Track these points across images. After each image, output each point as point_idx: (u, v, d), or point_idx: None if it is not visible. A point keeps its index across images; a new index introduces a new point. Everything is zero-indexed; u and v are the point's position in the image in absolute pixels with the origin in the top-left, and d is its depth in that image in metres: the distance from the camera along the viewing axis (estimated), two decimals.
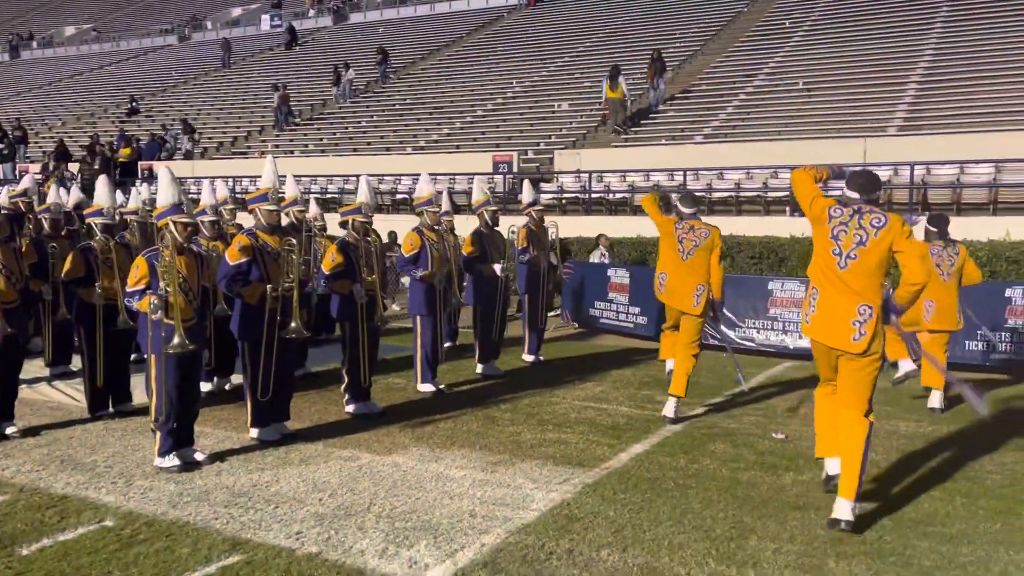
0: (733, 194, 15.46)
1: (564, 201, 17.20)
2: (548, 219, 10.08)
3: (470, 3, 35.25)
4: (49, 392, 7.96)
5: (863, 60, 19.43)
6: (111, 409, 7.16)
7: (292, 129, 26.02)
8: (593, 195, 16.81)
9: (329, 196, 19.16)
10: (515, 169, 18.45)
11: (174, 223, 5.72)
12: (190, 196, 6.43)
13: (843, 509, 4.58)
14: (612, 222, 14.79)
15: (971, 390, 4.98)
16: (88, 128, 30.11)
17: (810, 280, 4.87)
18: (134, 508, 4.99)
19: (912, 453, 6.04)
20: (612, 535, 4.58)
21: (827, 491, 5.00)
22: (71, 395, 7.74)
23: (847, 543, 4.46)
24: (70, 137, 29.15)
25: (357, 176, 8.57)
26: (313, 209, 9.82)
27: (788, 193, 14.90)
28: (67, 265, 7.07)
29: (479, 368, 8.97)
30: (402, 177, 19.23)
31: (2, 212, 7.81)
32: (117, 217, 7.39)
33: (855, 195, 4.74)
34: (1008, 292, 8.91)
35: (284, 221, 7.39)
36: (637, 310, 11.38)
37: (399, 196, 18.97)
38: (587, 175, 16.94)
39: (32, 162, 25.59)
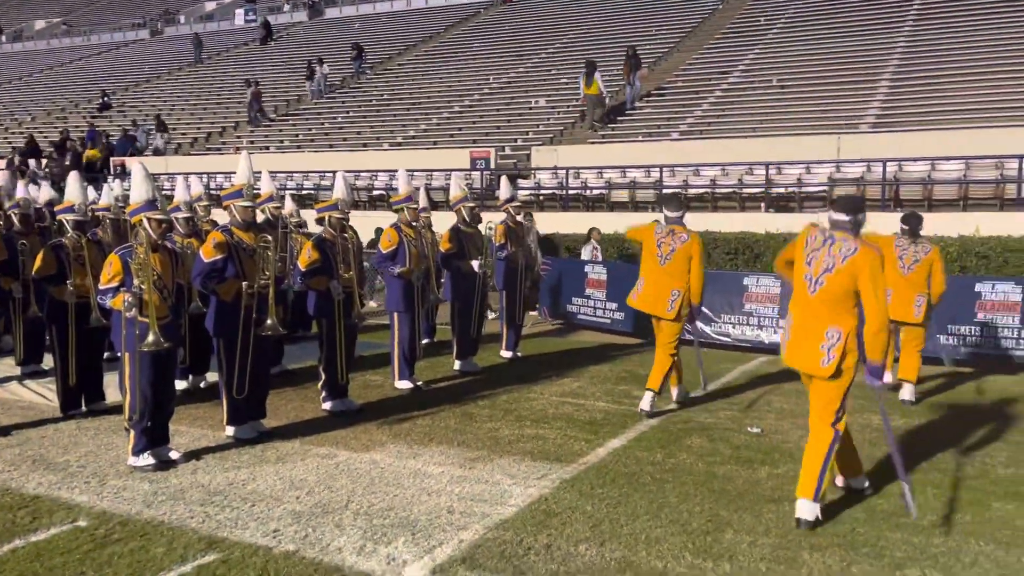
0: (709, 190, 15.56)
1: (542, 197, 17.22)
2: (536, 215, 10.13)
3: None
4: (20, 391, 7.85)
5: (836, 58, 19.63)
6: (84, 408, 7.07)
7: (268, 125, 25.81)
8: (570, 191, 16.85)
9: (305, 192, 19.04)
10: (492, 165, 18.44)
11: (148, 220, 5.66)
12: (164, 192, 6.36)
13: (802, 508, 4.65)
14: (589, 218, 14.82)
15: (907, 487, 4.89)
16: (59, 123, 29.68)
17: (780, 276, 4.93)
18: (108, 508, 4.94)
19: (884, 446, 6.11)
20: (590, 530, 4.60)
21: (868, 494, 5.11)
22: (43, 394, 7.64)
23: (821, 535, 4.52)
24: (40, 132, 28.70)
25: (333, 172, 8.52)
26: (289, 205, 9.76)
27: (763, 189, 15.06)
28: (38, 262, 6.97)
29: (457, 364, 8.96)
30: (379, 173, 19.15)
31: None
32: (89, 214, 7.30)
33: (839, 216, 4.83)
34: (978, 287, 9.06)
35: (260, 217, 7.34)
36: (615, 306, 11.43)
37: (376, 192, 18.89)
38: (564, 171, 16.98)
39: (1, 158, 25.19)
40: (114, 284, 5.56)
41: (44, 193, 10.08)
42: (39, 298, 7.52)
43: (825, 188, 14.51)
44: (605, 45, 24.52)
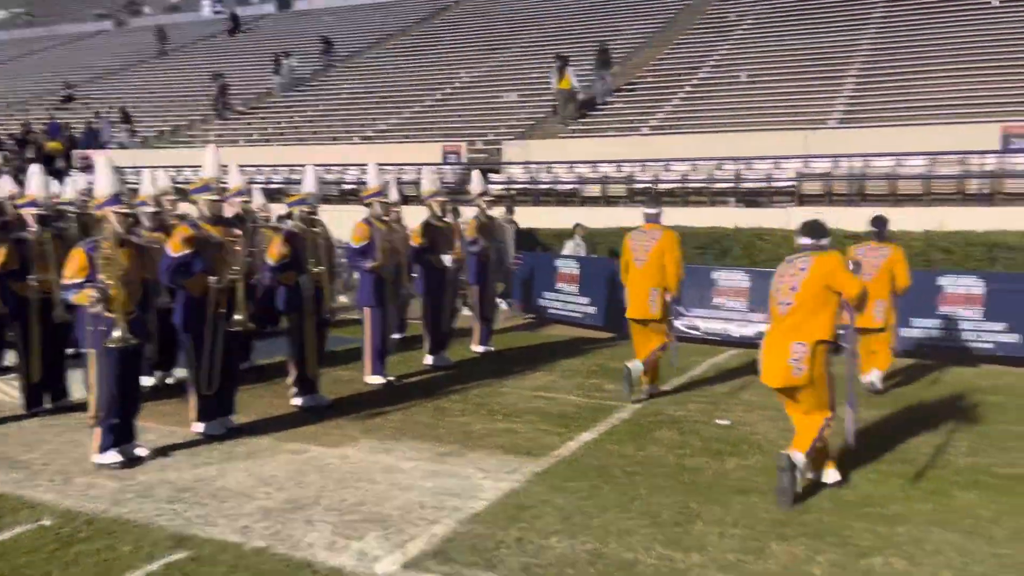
0: (679, 186, 15.66)
1: (513, 192, 17.21)
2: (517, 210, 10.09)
3: None
4: None
5: (804, 55, 19.84)
6: (48, 405, 6.96)
7: (236, 118, 25.50)
8: (541, 186, 16.86)
9: (274, 186, 18.84)
10: (464, 159, 18.40)
11: (114, 214, 5.58)
12: (129, 186, 6.28)
13: (796, 457, 4.94)
14: (560, 213, 14.85)
15: (851, 416, 5.25)
16: (19, 116, 29.06)
17: None
18: (73, 506, 4.87)
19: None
20: (561, 523, 4.63)
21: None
22: (6, 391, 7.50)
23: (789, 526, 4.59)
24: (1, 126, 28.09)
25: (303, 166, 8.44)
26: (258, 200, 9.66)
27: (732, 184, 15.19)
28: (0, 257, 6.83)
29: (429, 359, 8.95)
30: (349, 167, 19.01)
31: None
32: (52, 207, 7.17)
33: (804, 240, 5.16)
34: (940, 280, 9.23)
35: (228, 212, 7.26)
36: (586, 300, 11.48)
37: (346, 187, 18.75)
38: (535, 166, 16.99)
39: None
40: (78, 279, 5.48)
41: (5, 187, 9.87)
42: (1, 294, 7.37)
43: (793, 183, 14.68)
44: (576, 40, 24.55)
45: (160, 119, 26.95)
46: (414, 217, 9.60)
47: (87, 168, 18.94)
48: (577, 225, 13.08)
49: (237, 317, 6.17)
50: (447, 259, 8.85)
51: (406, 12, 33.30)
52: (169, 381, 7.85)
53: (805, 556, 4.21)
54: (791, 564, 4.12)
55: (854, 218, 10.45)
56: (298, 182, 14.58)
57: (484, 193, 9.84)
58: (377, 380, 7.97)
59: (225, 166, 6.85)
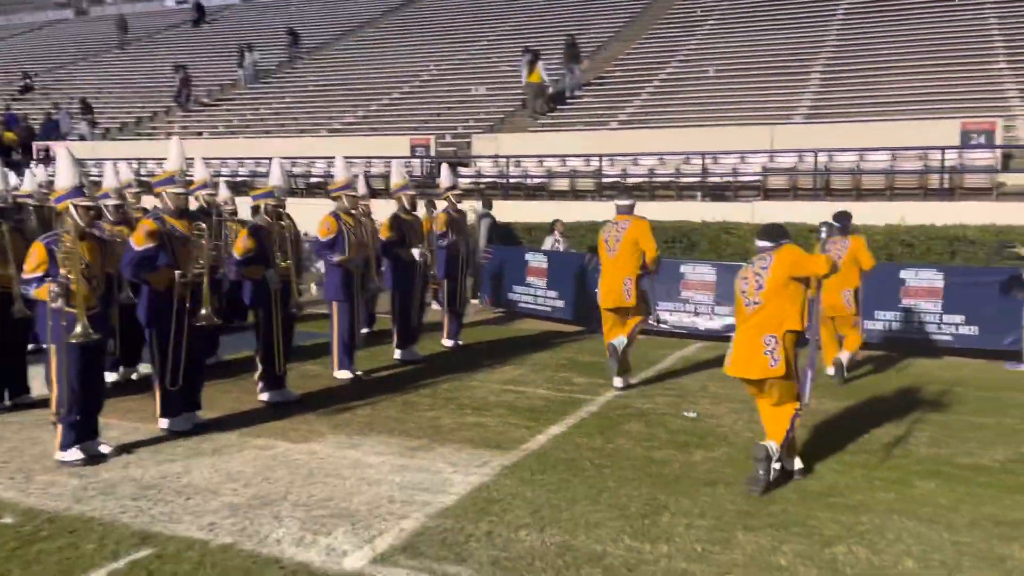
0: (647, 180, 15.75)
1: (482, 185, 17.19)
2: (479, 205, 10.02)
3: None
4: None
5: (770, 51, 20.05)
6: (7, 402, 6.82)
7: (201, 110, 25.15)
8: (511, 180, 16.86)
9: (240, 179, 18.62)
10: (432, 153, 18.33)
11: (75, 207, 5.47)
12: (91, 178, 6.17)
13: (772, 447, 5.07)
14: (530, 207, 14.86)
15: (809, 376, 5.39)
16: None
17: None
18: (34, 504, 4.78)
19: (813, 428, 6.31)
20: (530, 516, 4.64)
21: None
22: None
23: (755, 516, 4.65)
24: None
25: (269, 159, 8.35)
26: (223, 193, 9.55)
27: (699, 179, 15.32)
28: None
29: (397, 354, 8.92)
30: (316, 160, 18.85)
31: None
32: (11, 200, 7.02)
33: (764, 243, 5.25)
34: (902, 274, 9.40)
35: (193, 205, 7.16)
36: (555, 294, 11.52)
37: (313, 180, 18.59)
38: (505, 160, 16.98)
39: None
40: (39, 273, 5.38)
41: None
42: None
43: (759, 178, 14.84)
44: (545, 33, 24.54)
45: (122, 110, 26.48)
46: (383, 211, 9.55)
47: (47, 160, 18.56)
48: (556, 221, 13.09)
49: (203, 312, 6.10)
50: (416, 253, 8.82)
51: (374, 3, 33.05)
52: (133, 377, 7.74)
53: (771, 546, 4.27)
54: (757, 554, 4.18)
55: (818, 213, 10.58)
56: (264, 175, 14.44)
57: (453, 187, 9.81)
58: (345, 375, 7.92)
59: (190, 159, 6.76)
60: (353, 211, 8.07)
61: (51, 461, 5.48)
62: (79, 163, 5.75)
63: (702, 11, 24.08)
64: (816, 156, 14.50)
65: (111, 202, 7.28)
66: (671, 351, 9.36)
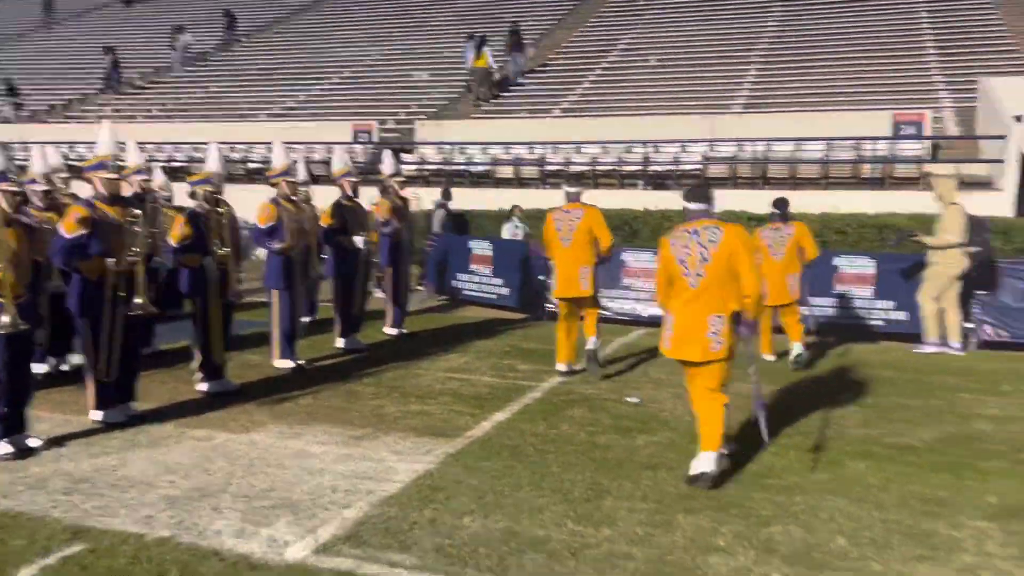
0: (590, 168, 15.86)
1: (427, 172, 17.08)
2: (421, 191, 9.86)
3: None
4: None
5: (709, 41, 20.35)
6: None
7: (134, 93, 24.40)
8: (455, 167, 16.79)
9: (177, 164, 18.14)
10: (375, 139, 18.14)
11: (0, 192, 5.27)
12: (17, 163, 5.94)
13: (708, 460, 4.90)
14: (473, 194, 14.83)
15: (761, 417, 5.47)
16: None
17: (664, 308, 5.14)
18: None
19: (751, 412, 6.45)
20: (474, 502, 4.66)
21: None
22: None
23: (695, 499, 4.74)
24: None
25: (206, 144, 8.15)
26: (159, 179, 9.29)
27: (641, 167, 15.48)
28: None
29: (340, 342, 8.82)
30: (256, 145, 18.47)
31: None
32: None
33: (696, 206, 5.05)
34: (835, 261, 9.67)
35: (127, 191, 6.95)
36: (500, 281, 11.53)
37: (252, 165, 18.22)
38: (449, 147, 16.90)
39: None
40: None
41: None
42: None
43: (700, 167, 15.07)
44: (488, 20, 24.46)
45: (51, 92, 25.54)
46: (325, 198, 9.41)
47: None
48: (515, 207, 13.06)
49: (137, 301, 5.94)
50: (359, 240, 8.73)
51: None
52: (64, 368, 7.50)
53: (710, 527, 4.36)
54: (697, 535, 4.27)
55: (757, 201, 10.82)
56: (202, 160, 14.10)
57: (396, 174, 9.73)
58: (286, 364, 7.81)
59: (122, 143, 6.55)
60: (293, 197, 7.93)
61: None
62: (3, 146, 5.53)
63: (644, 0, 24.28)
64: (755, 146, 14.79)
65: (39, 187, 7.02)
66: (613, 337, 9.46)
